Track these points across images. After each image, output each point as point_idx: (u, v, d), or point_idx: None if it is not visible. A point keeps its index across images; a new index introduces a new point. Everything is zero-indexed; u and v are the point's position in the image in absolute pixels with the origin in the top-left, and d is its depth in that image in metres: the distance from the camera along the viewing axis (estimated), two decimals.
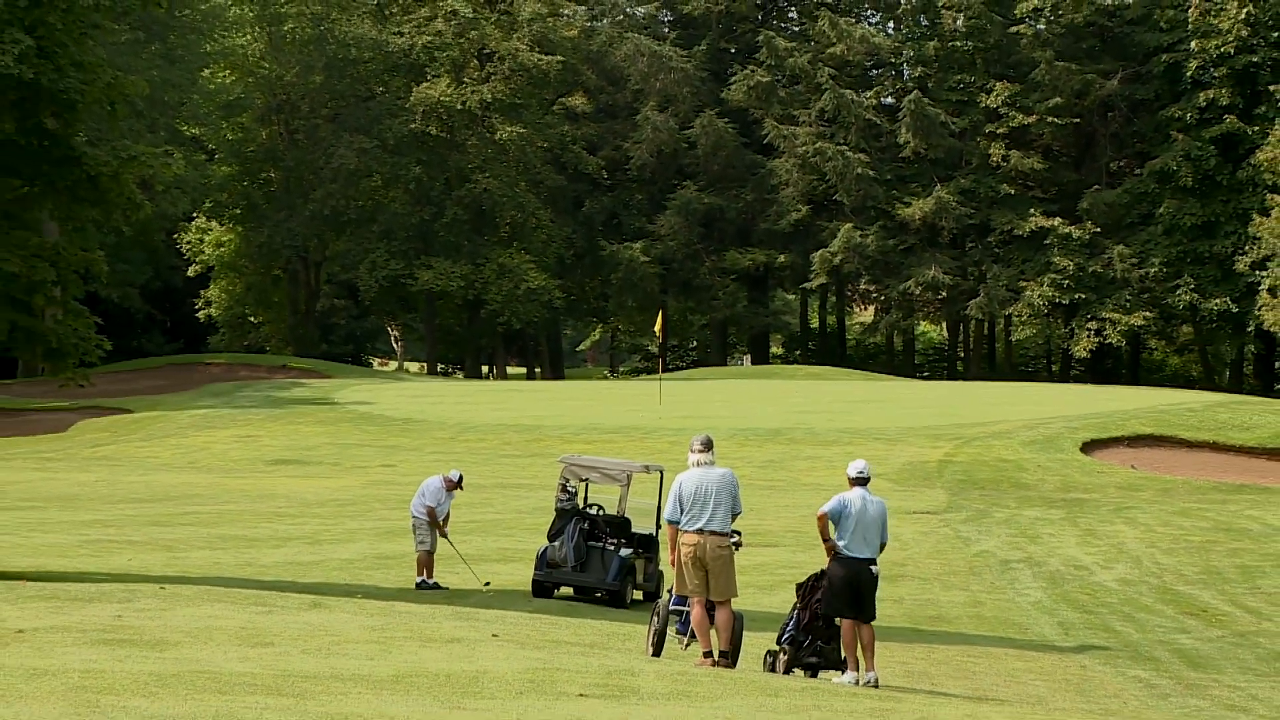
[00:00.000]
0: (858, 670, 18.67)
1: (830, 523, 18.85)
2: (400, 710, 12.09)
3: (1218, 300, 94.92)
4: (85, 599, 19.97)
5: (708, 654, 18.49)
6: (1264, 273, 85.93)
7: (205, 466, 54.42)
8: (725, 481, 18.44)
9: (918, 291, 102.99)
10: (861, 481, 18.92)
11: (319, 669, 14.32)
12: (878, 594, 19.34)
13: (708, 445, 18.66)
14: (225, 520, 39.21)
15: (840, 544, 18.80)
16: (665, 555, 18.73)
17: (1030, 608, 30.71)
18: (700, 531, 18.30)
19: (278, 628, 17.46)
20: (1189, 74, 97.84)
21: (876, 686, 18.06)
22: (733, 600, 18.64)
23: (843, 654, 18.73)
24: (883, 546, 19.08)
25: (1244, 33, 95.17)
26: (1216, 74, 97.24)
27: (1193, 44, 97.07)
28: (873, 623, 19.11)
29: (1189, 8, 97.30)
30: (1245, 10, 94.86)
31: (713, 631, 18.74)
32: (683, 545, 18.37)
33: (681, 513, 18.33)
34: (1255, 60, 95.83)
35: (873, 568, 18.89)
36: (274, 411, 67.27)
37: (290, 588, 26.47)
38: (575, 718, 12.10)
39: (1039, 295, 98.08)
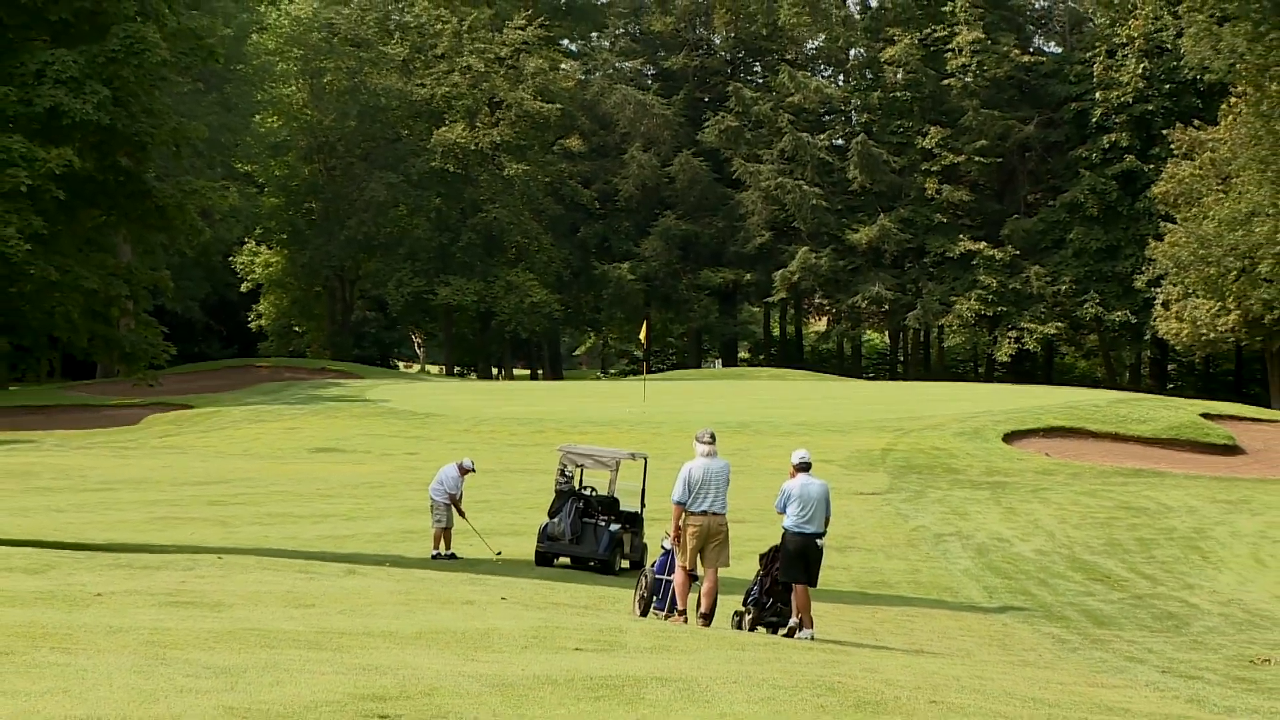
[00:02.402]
0: (812, 626, 18.71)
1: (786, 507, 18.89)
2: (423, 662, 12.11)
3: (1119, 313, 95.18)
4: (154, 567, 19.97)
5: (681, 612, 18.55)
6: (1158, 289, 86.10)
7: (255, 454, 54.38)
8: (725, 471, 18.57)
9: (864, 305, 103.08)
10: (804, 468, 18.93)
11: (353, 626, 14.34)
12: (828, 563, 19.31)
13: (713, 439, 18.74)
14: (273, 500, 39.19)
15: (789, 523, 18.84)
16: (671, 528, 18.71)
17: (960, 574, 30.77)
18: (705, 513, 18.38)
19: (318, 591, 17.47)
20: (1094, 120, 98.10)
21: (812, 640, 18.12)
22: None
23: (796, 613, 18.75)
24: (828, 521, 19.09)
25: (1140, 85, 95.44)
26: (1118, 120, 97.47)
27: (1098, 94, 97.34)
28: (817, 587, 19.16)
29: (1095, 63, 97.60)
30: (1142, 66, 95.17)
31: (692, 595, 18.78)
32: (690, 525, 18.42)
33: (689, 495, 18.40)
34: (1150, 109, 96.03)
35: (819, 540, 18.90)
36: (314, 407, 67.22)
37: (329, 558, 26.47)
38: (572, 668, 12.12)
39: (967, 308, 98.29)
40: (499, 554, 29.34)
